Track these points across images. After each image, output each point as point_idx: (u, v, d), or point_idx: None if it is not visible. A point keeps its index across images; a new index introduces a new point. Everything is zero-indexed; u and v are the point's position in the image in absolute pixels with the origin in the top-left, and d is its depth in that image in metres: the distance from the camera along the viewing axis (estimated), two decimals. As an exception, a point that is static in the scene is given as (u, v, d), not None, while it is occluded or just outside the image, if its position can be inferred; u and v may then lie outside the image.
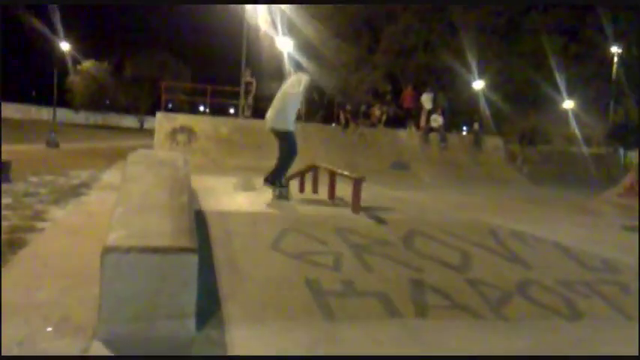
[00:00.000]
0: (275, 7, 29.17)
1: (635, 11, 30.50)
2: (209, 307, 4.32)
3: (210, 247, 5.33)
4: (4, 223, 7.31)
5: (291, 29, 30.46)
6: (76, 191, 10.75)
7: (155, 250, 3.88)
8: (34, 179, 11.93)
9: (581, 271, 6.12)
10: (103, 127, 59.89)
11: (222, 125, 19.70)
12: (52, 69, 55.77)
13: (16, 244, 6.25)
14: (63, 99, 60.86)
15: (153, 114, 22.02)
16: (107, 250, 3.79)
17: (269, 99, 8.71)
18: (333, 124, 22.15)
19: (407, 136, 21.56)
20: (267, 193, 8.49)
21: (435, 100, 22.68)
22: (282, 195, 8.19)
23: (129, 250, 3.80)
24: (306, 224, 6.28)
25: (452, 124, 27.70)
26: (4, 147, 19.26)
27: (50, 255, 5.98)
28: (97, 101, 63.73)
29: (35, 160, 16.45)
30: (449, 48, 33.35)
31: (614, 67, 36.80)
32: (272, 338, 4.06)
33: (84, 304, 4.43)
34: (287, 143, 8.26)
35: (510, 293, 5.31)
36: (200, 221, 5.39)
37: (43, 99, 61.93)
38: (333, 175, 8.28)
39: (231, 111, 34.73)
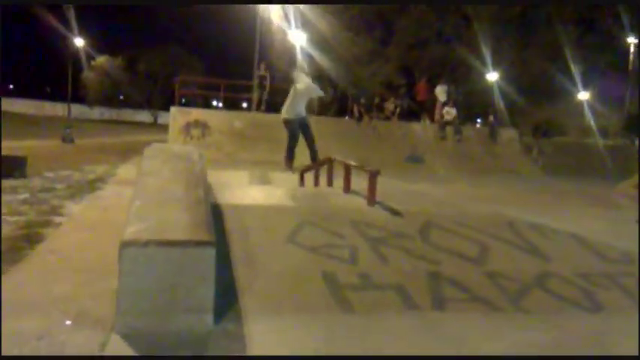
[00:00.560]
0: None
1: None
2: (226, 300, 4.32)
3: (227, 241, 5.33)
4: (21, 218, 7.38)
5: (304, 23, 30.38)
6: (92, 186, 10.82)
7: (173, 244, 3.88)
8: (49, 174, 12.01)
9: (600, 263, 6.05)
10: (117, 122, 60.22)
11: (236, 119, 19.72)
12: (66, 65, 56.22)
13: (34, 239, 6.30)
14: (77, 95, 61.30)
15: (167, 109, 22.08)
16: (125, 244, 3.79)
17: (283, 93, 9.04)
18: (347, 118, 22.06)
19: (421, 129, 21.45)
20: (282, 187, 8.49)
21: (448, 93, 22.51)
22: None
23: (147, 243, 3.80)
24: (322, 217, 6.26)
25: (466, 117, 27.50)
26: (20, 143, 19.47)
27: (67, 249, 6.02)
28: (110, 97, 64.07)
29: (51, 155, 16.57)
30: (463, 40, 33.11)
31: (631, 57, 36.33)
32: (290, 331, 4.05)
33: (101, 297, 4.45)
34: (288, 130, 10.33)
35: (529, 286, 5.26)
36: (216, 215, 5.39)
37: (58, 95, 62.43)
38: (348, 169, 8.24)
39: (244, 105, 34.73)
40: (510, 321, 4.58)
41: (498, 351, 3.96)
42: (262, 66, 21.87)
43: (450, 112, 21.20)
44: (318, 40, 31.02)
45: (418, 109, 23.37)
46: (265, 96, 21.42)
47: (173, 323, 3.88)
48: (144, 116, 67.46)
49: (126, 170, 14.02)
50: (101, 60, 62.09)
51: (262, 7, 27.55)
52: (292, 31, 30.16)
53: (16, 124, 35.19)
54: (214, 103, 41.99)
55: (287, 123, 10.27)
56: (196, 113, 19.70)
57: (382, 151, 18.91)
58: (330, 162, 9.55)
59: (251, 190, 8.56)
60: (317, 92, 10.96)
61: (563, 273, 5.61)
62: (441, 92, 22.29)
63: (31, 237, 6.37)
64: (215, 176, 8.85)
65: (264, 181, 11.43)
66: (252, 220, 5.93)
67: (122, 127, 50.16)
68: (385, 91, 26.16)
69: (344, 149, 15.55)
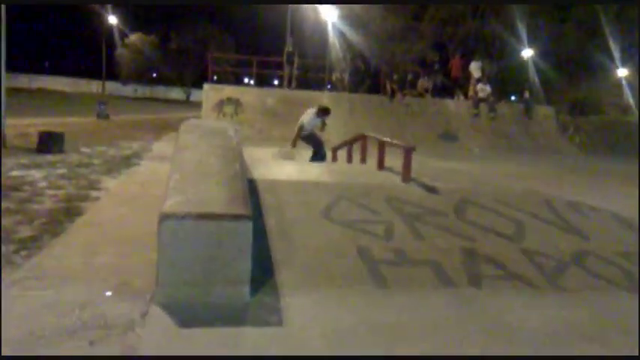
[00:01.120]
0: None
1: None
2: (262, 273, 4.36)
3: (262, 215, 5.37)
4: (60, 192, 7.54)
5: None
6: (128, 161, 10.98)
7: (211, 217, 3.92)
8: (86, 150, 12.23)
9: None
10: (150, 99, 60.94)
11: (268, 96, 19.75)
12: (100, 42, 56.84)
13: (73, 212, 6.44)
14: (111, 72, 62.04)
15: (199, 86, 22.20)
16: (164, 217, 3.84)
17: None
18: (379, 95, 21.87)
19: (454, 105, 21.17)
20: (316, 163, 8.47)
21: (482, 69, 22.14)
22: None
23: (185, 216, 3.85)
24: (357, 193, 6.25)
25: (501, 94, 26.99)
26: (57, 119, 19.84)
27: (106, 222, 6.14)
28: (143, 74, 64.66)
29: (86, 131, 16.85)
30: (498, 15, 32.39)
31: (673, 33, 35.06)
32: (325, 305, 4.08)
33: (140, 269, 4.54)
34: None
35: (567, 264, 5.19)
36: (251, 190, 5.42)
37: (93, 72, 63.27)
38: (382, 145, 8.19)
39: (275, 82, 34.68)
40: (547, 298, 4.53)
41: (533, 328, 3.92)
42: (291, 42, 21.74)
43: (484, 89, 20.88)
44: (350, 16, 30.68)
45: (452, 86, 23.05)
46: (295, 72, 21.33)
47: (211, 295, 3.93)
48: (176, 93, 68.02)
49: (160, 146, 14.20)
50: (134, 37, 62.58)
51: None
52: (324, 7, 29.88)
53: (52, 101, 35.87)
54: (246, 80, 42.01)
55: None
56: (229, 90, 19.79)
57: (415, 128, 18.78)
58: (363, 138, 9.51)
59: (285, 166, 8.59)
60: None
61: (602, 251, 5.52)
62: (475, 68, 21.94)
63: (70, 210, 6.51)
64: (249, 152, 8.89)
65: (297, 157, 11.44)
66: (288, 195, 5.95)
67: (155, 104, 50.73)
68: (418, 68, 25.77)
69: (376, 126, 15.49)
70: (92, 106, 25.91)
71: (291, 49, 21.23)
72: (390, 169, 7.97)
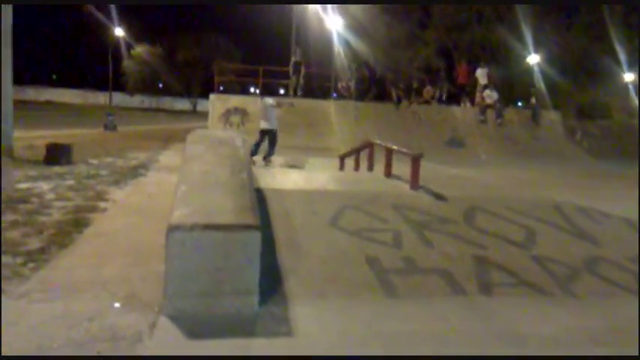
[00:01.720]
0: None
1: None
2: (271, 283, 4.33)
3: (270, 225, 5.34)
4: (68, 204, 7.54)
5: (340, 7, 30.09)
6: (135, 172, 10.98)
7: (219, 228, 3.90)
8: (94, 161, 12.24)
9: (651, 247, 5.85)
10: (157, 110, 61.14)
11: (274, 105, 19.74)
12: (107, 54, 57.17)
13: (81, 223, 6.44)
14: (118, 83, 62.37)
15: (205, 96, 22.24)
16: (172, 228, 3.82)
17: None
18: (385, 102, 21.83)
19: (461, 112, 21.12)
20: (323, 171, 8.46)
21: (489, 75, 22.07)
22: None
23: (193, 227, 3.83)
24: (364, 201, 6.21)
25: (507, 99, 26.86)
26: (64, 131, 19.92)
27: (113, 233, 6.13)
28: (150, 85, 64.88)
29: (94, 143, 16.88)
30: (503, 21, 32.34)
31: (680, 37, 34.87)
32: (334, 315, 4.04)
33: (148, 280, 4.52)
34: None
35: (579, 270, 5.13)
36: (259, 199, 5.39)
37: (100, 84, 63.64)
38: (389, 153, 8.16)
39: (281, 92, 34.75)
40: (559, 306, 4.48)
41: (548, 336, 3.87)
42: (298, 52, 21.75)
43: (491, 96, 20.80)
44: (355, 25, 30.70)
45: (458, 93, 22.98)
46: (301, 82, 21.34)
47: (219, 306, 3.91)
48: (183, 104, 68.22)
49: (167, 157, 14.21)
50: (140, 49, 62.89)
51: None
52: (329, 17, 29.93)
53: (60, 112, 36.07)
54: (252, 89, 42.10)
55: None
56: (235, 100, 19.81)
57: (422, 135, 18.71)
58: (370, 146, 9.48)
59: (292, 175, 8.56)
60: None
61: (614, 257, 5.47)
62: (481, 75, 21.88)
63: (78, 221, 6.50)
64: (256, 161, 8.88)
65: (304, 166, 11.43)
66: (295, 204, 5.92)
67: (162, 114, 50.90)
68: (424, 75, 25.74)
69: (383, 133, 15.42)
70: (99, 118, 26.02)
71: (298, 58, 21.24)
72: (398, 177, 7.93)
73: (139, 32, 59.92)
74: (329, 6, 29.33)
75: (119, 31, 56.02)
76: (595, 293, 4.75)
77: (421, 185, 7.06)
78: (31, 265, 4.85)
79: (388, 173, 8.11)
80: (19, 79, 22.36)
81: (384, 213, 5.97)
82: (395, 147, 8.19)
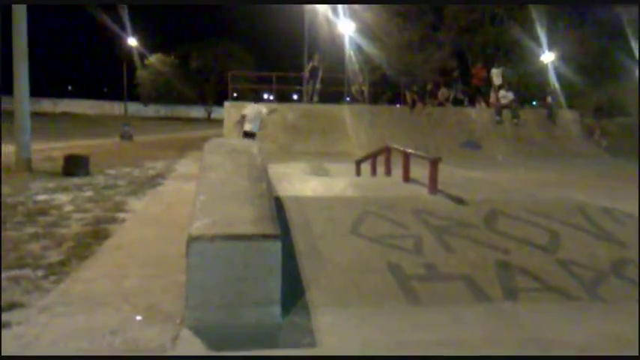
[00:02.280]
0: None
1: None
2: (292, 293, 4.29)
3: (290, 233, 5.30)
4: (87, 215, 7.58)
5: (352, 12, 30.08)
6: (152, 182, 11.03)
7: (239, 238, 3.87)
8: (111, 172, 12.32)
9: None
10: (172, 118, 61.58)
11: (289, 111, 19.78)
12: (121, 65, 57.69)
13: (101, 235, 6.45)
14: (133, 93, 62.91)
15: (220, 104, 22.33)
16: (193, 239, 3.80)
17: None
18: (398, 105, 21.77)
19: (477, 114, 20.97)
20: (340, 177, 8.40)
21: (503, 76, 21.91)
22: None
23: (214, 238, 3.80)
24: (384, 207, 6.14)
25: (523, 99, 26.63)
26: (81, 142, 20.10)
27: (133, 244, 6.14)
28: (164, 94, 65.30)
29: (111, 153, 17.02)
30: (517, 20, 32.14)
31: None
32: (358, 324, 3.98)
33: (169, 291, 4.50)
34: None
35: (605, 273, 5.02)
36: (277, 207, 5.36)
37: (115, 94, 64.29)
38: (407, 157, 8.09)
39: (295, 97, 34.77)
40: (587, 311, 4.39)
41: (575, 342, 3.78)
42: (316, 57, 21.70)
43: (506, 96, 20.63)
44: (368, 29, 30.67)
45: (473, 94, 22.83)
46: (318, 86, 21.31)
47: (242, 317, 3.87)
48: (197, 112, 68.64)
49: (184, 165, 14.27)
50: (154, 59, 63.36)
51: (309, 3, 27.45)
52: (340, 21, 29.94)
53: (76, 124, 36.39)
54: (265, 96, 42.22)
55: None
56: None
57: (437, 137, 18.62)
58: (387, 151, 9.41)
59: (309, 182, 8.52)
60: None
61: (641, 259, 5.34)
62: (496, 75, 21.74)
63: (98, 233, 6.53)
64: (272, 168, 8.86)
65: (321, 172, 11.38)
66: (314, 211, 5.87)
67: (177, 123, 51.22)
68: (438, 77, 25.62)
69: (398, 137, 15.38)
70: (115, 128, 26.24)
71: (316, 63, 21.21)
72: (416, 181, 7.85)
73: (152, 42, 60.48)
74: (341, 10, 29.31)
75: (132, 41, 56.50)
76: (623, 297, 4.65)
77: (439, 189, 6.97)
78: (52, 278, 4.86)
79: (406, 178, 8.04)
80: (36, 92, 22.60)
81: (404, 218, 5.90)
82: (412, 151, 8.11)
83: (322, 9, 29.64)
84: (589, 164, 15.52)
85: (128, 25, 53.78)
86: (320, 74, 21.04)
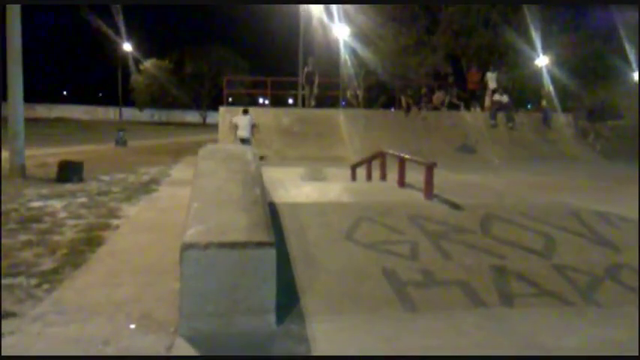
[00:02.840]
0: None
1: None
2: (287, 300, 4.26)
3: (285, 240, 5.27)
4: (81, 222, 7.53)
5: (347, 16, 30.10)
6: (147, 188, 10.97)
7: (233, 245, 3.84)
8: (105, 178, 12.25)
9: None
10: (167, 123, 61.40)
11: (284, 116, 19.74)
12: (116, 70, 57.59)
13: (94, 242, 6.40)
14: (128, 98, 62.77)
15: (215, 108, 22.29)
16: (186, 247, 3.77)
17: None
18: (393, 109, 21.77)
19: (471, 117, 20.98)
20: (335, 182, 8.38)
21: (498, 79, 21.94)
22: None
23: (207, 245, 3.77)
24: (379, 212, 6.13)
25: (517, 103, 26.66)
26: (76, 148, 20.02)
27: (127, 252, 6.09)
28: (159, 99, 65.14)
29: (105, 159, 16.94)
30: (511, 24, 32.22)
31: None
32: (353, 332, 3.96)
33: (163, 300, 4.46)
34: None
35: (601, 278, 5.02)
36: (272, 213, 5.33)
37: (109, 99, 64.15)
38: (402, 162, 8.07)
39: (290, 102, 34.78)
40: (583, 316, 4.38)
41: (571, 347, 3.77)
42: (310, 61, 21.67)
43: (502, 98, 20.65)
44: (362, 33, 30.68)
45: (468, 98, 22.84)
46: (315, 91, 21.26)
47: (236, 325, 3.84)
48: (192, 117, 68.47)
49: (179, 171, 14.21)
50: (149, 63, 63.24)
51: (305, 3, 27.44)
52: (335, 26, 29.94)
53: (70, 129, 36.27)
54: (260, 100, 42.21)
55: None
56: (244, 112, 19.78)
57: (432, 141, 18.59)
58: (382, 155, 9.40)
59: (304, 187, 8.49)
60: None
61: (636, 263, 5.33)
62: (491, 79, 21.77)
63: (91, 240, 6.48)
64: (267, 174, 8.83)
65: (316, 177, 11.36)
66: (309, 217, 5.85)
67: (172, 128, 51.07)
68: (433, 81, 25.64)
69: (393, 141, 15.34)
70: (110, 133, 26.13)
71: (311, 68, 21.16)
72: (412, 186, 7.84)
73: (147, 47, 60.38)
74: (335, 14, 29.32)
75: (127, 47, 56.41)
76: (619, 301, 4.64)
77: (435, 194, 6.96)
78: (45, 286, 4.82)
79: (401, 183, 8.02)
80: (30, 97, 22.52)
81: (399, 224, 5.89)
82: (407, 156, 8.10)
83: (317, 13, 29.67)
84: (583, 168, 15.51)
85: (123, 30, 53.77)
86: (316, 79, 21.00)
